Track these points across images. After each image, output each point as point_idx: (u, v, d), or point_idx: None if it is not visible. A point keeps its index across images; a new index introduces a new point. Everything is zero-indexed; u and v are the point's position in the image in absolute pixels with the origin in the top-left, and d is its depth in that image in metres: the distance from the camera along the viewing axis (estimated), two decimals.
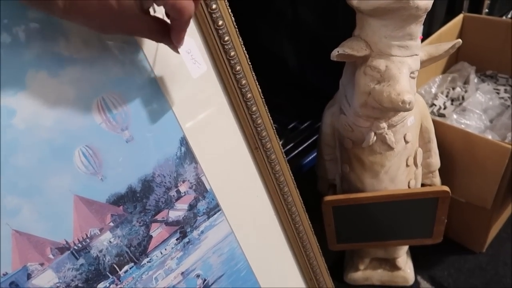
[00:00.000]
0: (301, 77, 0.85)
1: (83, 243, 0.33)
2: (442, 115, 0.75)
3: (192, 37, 0.33)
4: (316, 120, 0.80)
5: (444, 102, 0.79)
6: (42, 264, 0.32)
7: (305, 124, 0.83)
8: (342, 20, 0.63)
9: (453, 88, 0.82)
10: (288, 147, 0.75)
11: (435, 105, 0.80)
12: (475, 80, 0.81)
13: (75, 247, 0.33)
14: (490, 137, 0.60)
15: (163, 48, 0.33)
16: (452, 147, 0.59)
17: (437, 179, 0.60)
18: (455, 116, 0.71)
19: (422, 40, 0.81)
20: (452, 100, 0.80)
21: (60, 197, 0.31)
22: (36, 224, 0.30)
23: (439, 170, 0.59)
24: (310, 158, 0.73)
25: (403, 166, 0.54)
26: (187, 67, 0.34)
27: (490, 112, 0.74)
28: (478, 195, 0.61)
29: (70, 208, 0.32)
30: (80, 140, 0.32)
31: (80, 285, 0.34)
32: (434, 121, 0.58)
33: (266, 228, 0.46)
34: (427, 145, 0.57)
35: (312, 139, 0.77)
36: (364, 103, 0.48)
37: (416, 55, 0.46)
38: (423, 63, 0.49)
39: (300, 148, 0.76)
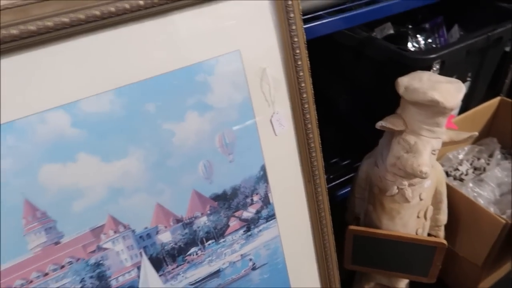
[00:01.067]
0: (350, 123, 1.01)
1: (190, 220, 0.52)
2: (461, 180, 0.89)
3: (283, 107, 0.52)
4: (354, 160, 0.96)
5: (467, 169, 0.93)
6: (165, 227, 0.50)
7: (345, 162, 0.99)
8: (392, 92, 0.80)
9: (478, 159, 0.95)
10: (329, 178, 0.92)
11: (458, 170, 0.94)
12: (499, 156, 0.95)
13: (185, 221, 0.51)
14: (492, 210, 0.74)
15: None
16: (458, 210, 0.73)
17: (441, 233, 0.74)
18: (471, 184, 0.85)
19: (459, 113, 0.95)
20: (475, 169, 0.93)
21: (185, 189, 0.50)
22: (176, 202, 0.49)
23: (445, 225, 0.74)
24: (344, 191, 0.89)
25: (414, 216, 0.69)
26: (275, 128, 0.53)
27: (503, 187, 0.87)
28: (472, 252, 0.75)
29: (188, 197, 0.51)
30: (205, 156, 0.50)
31: (182, 245, 0.52)
32: (448, 186, 0.72)
33: (302, 239, 0.63)
34: (438, 204, 0.72)
35: (348, 176, 0.93)
36: (394, 164, 0.64)
37: (440, 138, 0.62)
38: (445, 144, 0.64)
39: (337, 181, 0.93)
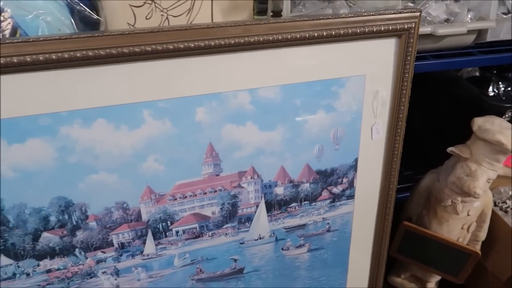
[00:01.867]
0: (420, 141, 1.18)
1: (298, 183, 0.73)
2: (506, 212, 1.03)
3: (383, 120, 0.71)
4: (416, 172, 1.13)
5: None
6: (281, 183, 0.72)
7: (408, 172, 1.16)
8: (465, 125, 0.96)
9: None
10: None
11: (506, 203, 1.08)
12: None
13: (295, 183, 0.73)
14: None
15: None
16: (496, 232, 0.89)
17: (478, 247, 0.91)
18: None
19: None
20: None
21: (301, 161, 0.71)
22: (293, 168, 0.70)
23: (482, 241, 0.90)
24: (401, 196, 1.07)
25: (459, 227, 0.86)
26: (372, 134, 0.72)
27: None
28: (499, 269, 0.90)
29: (301, 167, 0.72)
30: (320, 142, 0.70)
31: (287, 199, 0.73)
32: (493, 211, 0.88)
33: (368, 220, 0.83)
34: (481, 223, 0.88)
35: (408, 185, 1.10)
36: (454, 182, 0.81)
37: (496, 171, 0.78)
38: (499, 177, 0.80)
39: (398, 186, 1.10)
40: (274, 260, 0.79)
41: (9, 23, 0.57)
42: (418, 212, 0.93)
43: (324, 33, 0.62)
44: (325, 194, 0.76)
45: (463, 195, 0.82)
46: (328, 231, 0.80)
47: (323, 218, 0.79)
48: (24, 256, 0.63)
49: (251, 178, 0.70)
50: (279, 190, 0.73)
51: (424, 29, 0.75)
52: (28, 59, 0.51)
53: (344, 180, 0.76)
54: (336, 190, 0.77)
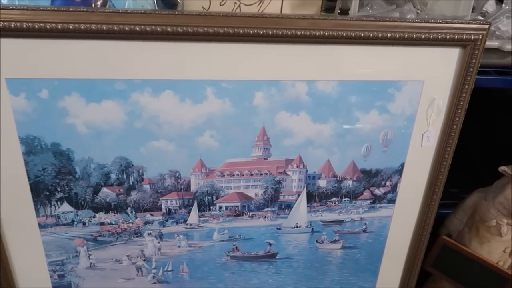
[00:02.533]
0: (472, 160, 1.15)
1: (341, 179, 0.75)
2: None
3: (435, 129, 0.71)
4: (462, 190, 1.11)
5: None
6: (325, 177, 0.74)
7: (453, 190, 1.14)
8: None
9: None
10: None
11: None
12: None
13: (338, 179, 0.74)
14: None
15: None
16: None
17: None
18: None
19: None
20: None
21: (347, 157, 0.73)
22: (338, 163, 0.72)
23: None
24: (443, 211, 1.05)
25: (501, 250, 0.84)
26: (423, 141, 0.72)
27: None
28: None
29: (347, 164, 0.73)
30: (369, 142, 0.72)
31: (328, 193, 0.75)
32: None
33: (406, 227, 0.83)
34: None
35: (452, 201, 1.08)
36: (501, 202, 0.79)
37: None
38: None
39: (441, 201, 1.08)
40: (307, 251, 0.81)
41: None
42: (459, 229, 0.92)
43: (388, 35, 0.63)
44: (366, 194, 0.77)
45: (509, 217, 0.80)
46: (365, 231, 0.81)
47: (361, 217, 0.80)
48: (83, 206, 0.70)
49: (297, 167, 0.72)
50: (322, 183, 0.75)
51: (491, 43, 0.75)
52: (115, 28, 0.56)
53: (388, 183, 0.77)
54: (378, 192, 0.78)
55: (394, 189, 0.78)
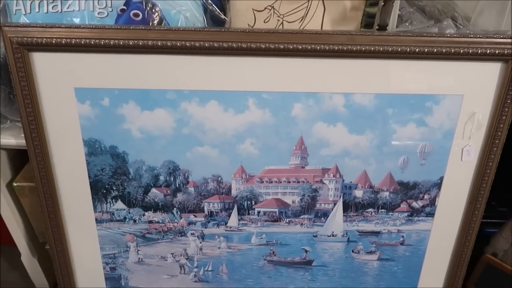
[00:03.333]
0: None
1: (378, 190, 0.76)
2: None
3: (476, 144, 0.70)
4: (511, 209, 1.06)
5: None
6: (361, 187, 0.76)
7: (502, 208, 1.09)
8: None
9: None
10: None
11: None
12: None
13: (375, 190, 0.76)
14: None
15: None
16: None
17: None
18: None
19: None
20: None
21: (384, 169, 0.74)
22: (375, 174, 0.74)
23: None
24: (489, 230, 1.01)
25: None
26: (463, 155, 0.72)
27: None
28: None
29: (384, 175, 0.75)
30: (406, 154, 0.73)
31: (365, 204, 0.77)
32: None
33: (445, 243, 0.82)
34: None
35: (499, 220, 1.04)
36: None
37: None
38: None
39: (488, 220, 1.05)
40: (343, 260, 0.83)
41: (158, 15, 0.71)
42: (505, 248, 0.89)
43: (426, 49, 0.65)
44: (403, 206, 0.78)
45: None
46: (402, 244, 0.81)
47: (398, 230, 0.80)
48: (134, 205, 0.77)
49: (333, 176, 0.75)
50: (358, 193, 0.76)
51: None
52: (169, 43, 0.63)
53: (426, 196, 0.77)
54: (416, 204, 0.78)
55: (432, 202, 0.77)
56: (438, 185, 0.76)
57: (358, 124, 0.71)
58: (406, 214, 0.79)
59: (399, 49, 0.65)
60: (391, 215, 0.79)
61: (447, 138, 0.72)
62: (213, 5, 0.75)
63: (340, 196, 0.77)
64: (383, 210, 0.78)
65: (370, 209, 0.78)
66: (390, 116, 0.70)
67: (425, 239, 0.81)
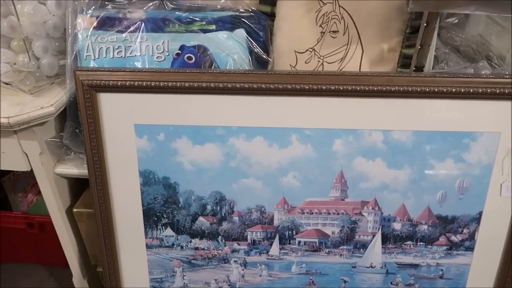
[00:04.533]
0: None
1: (416, 223, 0.78)
2: None
3: None
4: None
5: None
6: (400, 220, 0.78)
7: None
8: None
9: None
10: None
11: None
12: None
13: (413, 223, 0.78)
14: None
15: None
16: None
17: None
18: None
19: None
20: None
21: (422, 203, 0.76)
22: (413, 208, 0.76)
23: None
24: None
25: None
26: (502, 191, 0.73)
27: None
28: None
29: (422, 209, 0.77)
30: (444, 188, 0.75)
31: (403, 236, 0.79)
32: None
33: (486, 279, 0.82)
34: None
35: None
36: None
37: None
38: None
39: None
40: None
41: (209, 58, 0.78)
42: None
43: (462, 90, 0.68)
44: (442, 240, 0.79)
45: None
46: (441, 277, 0.82)
47: (437, 263, 0.81)
48: (182, 232, 0.82)
49: (372, 208, 0.78)
50: (397, 226, 0.79)
51: None
52: (220, 85, 0.69)
53: (465, 230, 0.78)
54: (455, 238, 0.79)
55: (472, 237, 0.78)
56: (477, 219, 0.77)
57: (396, 159, 0.74)
58: (445, 247, 0.80)
59: (436, 89, 0.68)
60: (430, 248, 0.80)
61: (485, 174, 0.74)
62: (258, 47, 0.82)
63: (379, 228, 0.79)
64: (421, 243, 0.80)
65: (409, 242, 0.80)
66: (428, 152, 0.73)
67: (464, 273, 0.81)
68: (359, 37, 0.78)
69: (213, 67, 0.78)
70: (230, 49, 0.78)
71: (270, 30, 0.83)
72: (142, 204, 0.79)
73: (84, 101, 0.72)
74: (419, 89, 0.68)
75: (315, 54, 0.80)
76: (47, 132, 0.79)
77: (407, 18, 0.76)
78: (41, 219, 1.04)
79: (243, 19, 0.81)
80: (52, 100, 0.75)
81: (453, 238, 0.79)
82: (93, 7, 0.76)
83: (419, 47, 0.72)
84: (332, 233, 0.80)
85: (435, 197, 0.76)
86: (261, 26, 0.82)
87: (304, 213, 0.79)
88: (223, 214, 0.80)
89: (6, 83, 0.78)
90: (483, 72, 0.76)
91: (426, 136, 0.72)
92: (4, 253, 1.20)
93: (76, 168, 0.83)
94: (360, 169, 0.75)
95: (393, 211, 0.78)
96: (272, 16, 0.84)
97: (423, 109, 0.71)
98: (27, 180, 1.16)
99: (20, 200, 1.17)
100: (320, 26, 0.79)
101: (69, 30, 0.75)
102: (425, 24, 0.70)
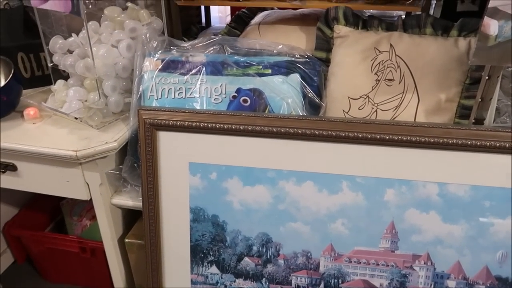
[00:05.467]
0: None
1: (473, 283, 0.73)
2: None
3: None
4: None
5: None
6: (455, 278, 0.74)
7: None
8: None
9: None
10: None
11: None
12: None
13: (469, 282, 0.73)
14: None
15: None
16: None
17: None
18: None
19: None
20: None
21: (480, 262, 0.72)
22: (470, 266, 0.72)
23: None
24: None
25: None
26: None
27: None
28: None
29: (480, 268, 0.72)
30: (505, 248, 0.70)
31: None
32: None
33: None
34: None
35: None
36: None
37: None
38: None
39: None
40: None
41: (263, 101, 0.80)
42: None
43: None
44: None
45: None
46: None
47: None
48: (227, 271, 0.82)
49: (424, 263, 0.74)
50: (451, 284, 0.74)
51: None
52: (274, 130, 0.71)
53: None
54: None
55: None
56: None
57: (452, 213, 0.71)
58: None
59: (498, 144, 0.66)
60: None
61: None
62: (312, 92, 0.83)
63: (431, 284, 0.75)
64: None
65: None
66: (487, 209, 0.69)
67: None
68: (415, 86, 0.77)
69: (267, 110, 0.80)
70: (284, 93, 0.80)
71: (325, 75, 0.85)
72: (191, 240, 0.81)
73: (144, 138, 0.76)
74: (478, 143, 0.66)
75: (369, 101, 0.80)
76: (108, 164, 0.84)
77: (466, 69, 0.75)
78: (93, 245, 1.08)
79: (298, 64, 0.84)
80: (116, 135, 0.80)
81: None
82: (160, 51, 0.82)
83: (480, 99, 0.70)
84: (380, 285, 0.77)
85: (494, 256, 0.72)
86: (315, 72, 0.84)
87: (351, 261, 0.77)
88: (268, 256, 0.79)
89: (76, 118, 0.84)
90: None
91: (486, 192, 0.69)
92: (58, 274, 1.26)
93: (131, 200, 0.87)
94: (412, 221, 0.72)
95: (447, 268, 0.74)
96: (327, 62, 0.86)
97: (482, 163, 0.68)
98: (83, 204, 1.22)
99: (75, 224, 1.23)
100: (376, 74, 0.79)
101: (137, 72, 0.81)
102: (487, 77, 0.68)
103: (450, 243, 0.72)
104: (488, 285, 0.73)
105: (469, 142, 0.66)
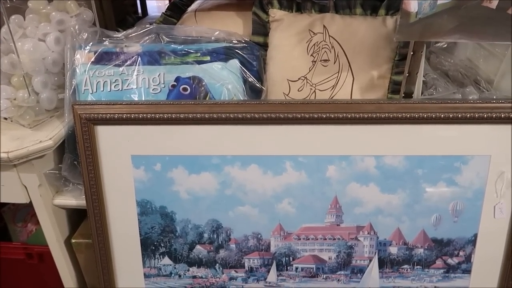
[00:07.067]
0: None
1: (412, 247, 0.78)
2: None
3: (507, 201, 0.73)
4: None
5: None
6: (396, 244, 0.78)
7: None
8: None
9: None
10: None
11: None
12: None
13: (409, 246, 0.78)
14: None
15: None
16: None
17: None
18: None
19: None
20: None
21: (417, 227, 0.77)
22: (408, 232, 0.77)
23: None
24: None
25: None
26: (495, 213, 0.74)
27: None
28: None
29: (417, 232, 0.77)
30: (438, 212, 0.76)
31: (400, 260, 0.79)
32: None
33: None
34: None
35: None
36: None
37: None
38: None
39: None
40: None
41: (203, 89, 0.80)
42: None
43: (451, 115, 0.70)
44: (439, 263, 0.80)
45: None
46: None
47: (435, 286, 0.81)
48: (180, 261, 0.82)
49: (368, 233, 0.78)
50: (393, 250, 0.79)
51: None
52: (215, 116, 0.71)
53: (461, 253, 0.78)
54: (452, 261, 0.79)
55: (468, 259, 0.79)
56: (473, 242, 0.78)
57: (389, 184, 0.75)
58: (442, 270, 0.80)
59: (425, 115, 0.70)
60: (427, 271, 0.80)
61: (478, 196, 0.75)
62: (252, 76, 0.84)
63: (375, 252, 0.79)
64: (418, 266, 0.80)
65: (406, 266, 0.80)
66: (420, 176, 0.74)
67: None
68: (349, 65, 0.80)
69: (208, 97, 0.80)
70: (224, 79, 0.80)
71: (264, 59, 0.86)
72: (140, 234, 0.80)
73: (82, 134, 0.73)
74: (408, 115, 0.70)
75: (307, 82, 0.82)
76: (46, 164, 0.81)
77: (395, 46, 0.78)
78: (40, 250, 1.03)
79: (236, 50, 0.84)
80: (51, 133, 0.76)
81: (450, 261, 0.79)
82: (91, 43, 0.78)
83: (407, 74, 0.74)
84: (329, 258, 0.81)
85: (429, 220, 0.77)
86: (254, 56, 0.84)
87: (300, 239, 0.79)
88: (220, 242, 0.80)
89: (6, 118, 0.80)
90: (470, 97, 0.77)
91: (418, 161, 0.74)
92: (3, 283, 1.20)
93: (74, 199, 0.84)
94: (354, 194, 0.76)
95: (389, 235, 0.78)
96: (265, 46, 0.86)
97: (413, 135, 0.73)
98: (27, 210, 1.16)
99: (20, 230, 1.17)
100: (311, 55, 0.81)
101: (68, 66, 0.77)
102: (412, 53, 0.72)
103: (389, 212, 0.77)
104: (426, 247, 0.79)
105: (399, 115, 0.70)
